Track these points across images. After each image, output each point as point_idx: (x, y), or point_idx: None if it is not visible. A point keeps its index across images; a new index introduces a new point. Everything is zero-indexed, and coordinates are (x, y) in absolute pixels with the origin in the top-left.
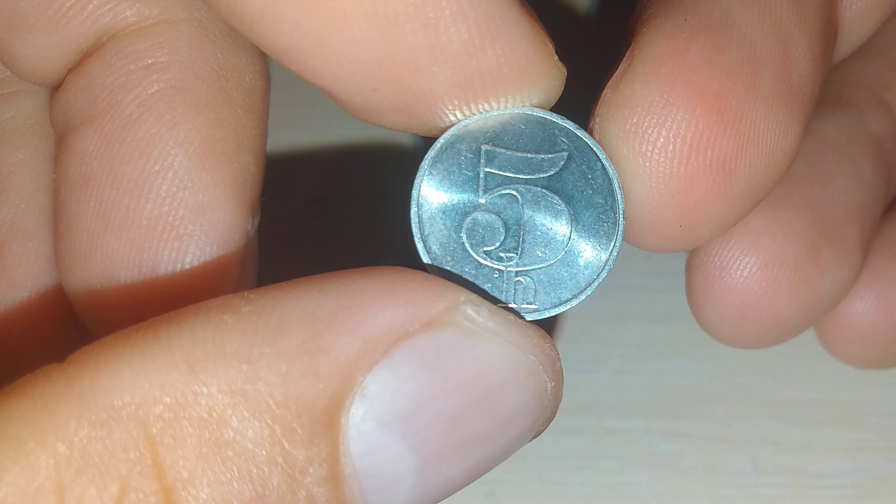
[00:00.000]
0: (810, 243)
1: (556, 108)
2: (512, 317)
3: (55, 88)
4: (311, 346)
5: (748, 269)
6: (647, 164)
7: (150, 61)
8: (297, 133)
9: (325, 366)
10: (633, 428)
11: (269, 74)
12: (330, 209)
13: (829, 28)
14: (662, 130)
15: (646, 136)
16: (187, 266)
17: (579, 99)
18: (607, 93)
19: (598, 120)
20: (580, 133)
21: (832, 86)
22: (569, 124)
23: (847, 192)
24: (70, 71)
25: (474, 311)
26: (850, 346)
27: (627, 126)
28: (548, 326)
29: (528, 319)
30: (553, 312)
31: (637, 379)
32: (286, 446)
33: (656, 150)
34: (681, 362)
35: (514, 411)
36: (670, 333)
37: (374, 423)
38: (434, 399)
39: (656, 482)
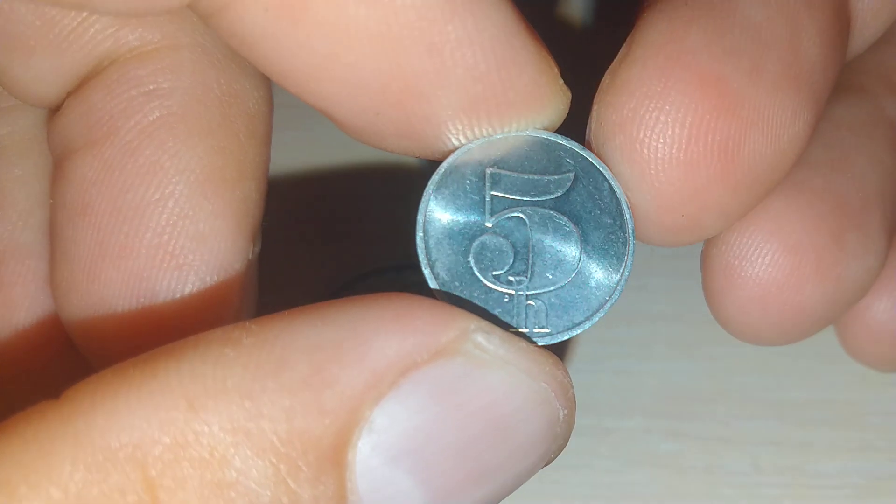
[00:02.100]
0: (833, 228)
1: (560, 129)
2: (524, 343)
3: (53, 111)
4: (316, 379)
5: (770, 257)
6: (645, 151)
7: (151, 87)
8: (296, 133)
9: (330, 400)
10: (633, 428)
11: (272, 100)
12: (332, 213)
13: (841, 18)
14: (661, 115)
15: (643, 122)
16: (187, 296)
17: (584, 119)
18: (606, 79)
19: (595, 108)
20: (585, 153)
21: (845, 72)
22: (574, 145)
23: (866, 177)
24: (69, 94)
25: (485, 339)
26: (873, 348)
27: (625, 111)
28: (560, 349)
29: (541, 344)
30: (566, 336)
31: (637, 379)
32: (291, 485)
33: (654, 136)
34: (681, 362)
35: (526, 441)
36: (670, 333)
37: (382, 458)
38: (444, 432)
39: (656, 482)
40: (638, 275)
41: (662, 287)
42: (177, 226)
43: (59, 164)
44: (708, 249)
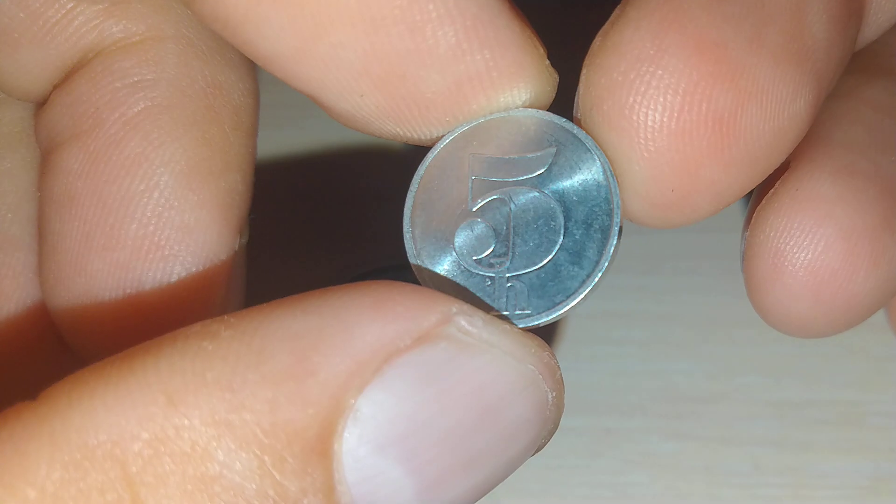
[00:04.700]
0: (884, 212)
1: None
2: (507, 326)
3: (40, 104)
4: (298, 369)
5: (824, 241)
6: (634, 118)
7: (136, 79)
8: (290, 131)
9: (313, 389)
10: (633, 428)
11: (258, 91)
12: (332, 214)
13: (853, 1)
14: (653, 80)
15: (634, 86)
16: (173, 286)
17: (571, 102)
18: (596, 41)
19: (584, 71)
20: (567, 125)
21: (873, 57)
22: (554, 118)
23: None
24: (55, 87)
25: (468, 322)
26: None
27: (615, 75)
28: (548, 331)
29: (523, 326)
30: (548, 317)
31: (637, 379)
32: (277, 478)
33: (645, 102)
34: (681, 362)
35: (516, 425)
36: (670, 333)
37: (369, 448)
38: (431, 418)
39: (656, 482)
40: (638, 275)
41: (662, 287)
42: (162, 216)
43: (45, 157)
44: (752, 236)
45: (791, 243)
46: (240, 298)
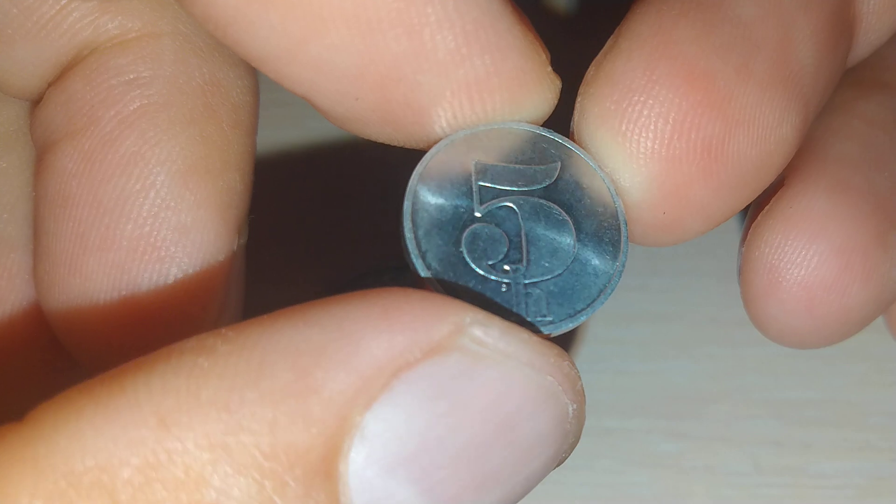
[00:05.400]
0: (877, 227)
1: (551, 118)
2: (525, 334)
3: (35, 102)
4: (300, 386)
5: (818, 258)
6: (627, 145)
7: (132, 76)
8: (289, 131)
9: (316, 407)
10: (633, 428)
11: (257, 89)
12: (330, 213)
13: (841, 20)
14: (644, 109)
15: (626, 115)
16: (170, 288)
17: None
18: (590, 71)
19: (579, 99)
20: (570, 145)
21: (868, 70)
22: (557, 137)
23: None
24: (50, 85)
25: (482, 332)
26: None
27: (607, 104)
28: (563, 341)
29: (545, 332)
30: (569, 324)
31: (637, 379)
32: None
33: (636, 130)
34: (681, 362)
35: (535, 440)
36: (670, 333)
37: (378, 468)
38: (444, 435)
39: (656, 482)
40: (638, 275)
41: (662, 287)
42: (158, 217)
43: (40, 156)
44: (748, 252)
45: (785, 259)
46: (239, 300)
